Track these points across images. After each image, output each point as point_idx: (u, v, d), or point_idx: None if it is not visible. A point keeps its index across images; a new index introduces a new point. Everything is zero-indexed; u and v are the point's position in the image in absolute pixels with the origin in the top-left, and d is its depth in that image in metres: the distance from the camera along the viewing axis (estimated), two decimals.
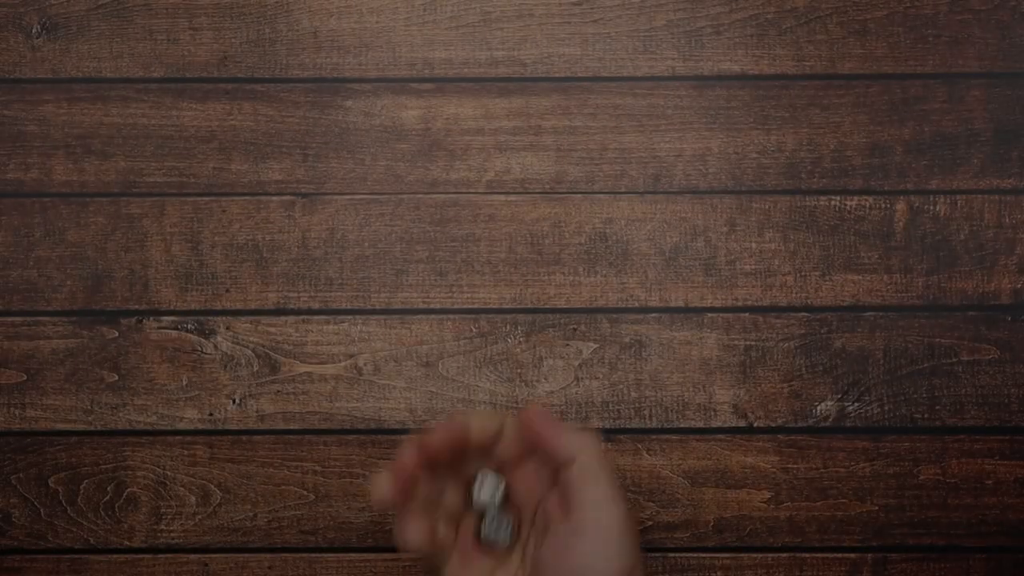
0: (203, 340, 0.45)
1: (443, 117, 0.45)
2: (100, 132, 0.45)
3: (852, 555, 0.44)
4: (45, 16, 0.45)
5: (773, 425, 0.44)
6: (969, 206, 0.45)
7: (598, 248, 0.45)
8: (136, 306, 0.45)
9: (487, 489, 0.32)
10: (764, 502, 0.44)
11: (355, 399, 0.45)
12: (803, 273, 0.45)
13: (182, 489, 0.45)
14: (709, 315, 0.45)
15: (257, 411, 0.45)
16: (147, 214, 0.45)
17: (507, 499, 0.32)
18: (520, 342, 0.45)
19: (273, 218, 0.45)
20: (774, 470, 0.44)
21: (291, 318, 0.45)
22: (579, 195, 0.45)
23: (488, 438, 0.31)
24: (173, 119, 0.45)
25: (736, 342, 0.44)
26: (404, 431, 0.45)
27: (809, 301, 0.45)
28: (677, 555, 0.44)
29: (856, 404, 0.44)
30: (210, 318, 0.45)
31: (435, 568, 0.33)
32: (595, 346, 0.44)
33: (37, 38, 0.45)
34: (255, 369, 0.45)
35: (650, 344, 0.44)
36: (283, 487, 0.45)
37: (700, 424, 0.44)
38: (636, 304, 0.45)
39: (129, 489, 0.45)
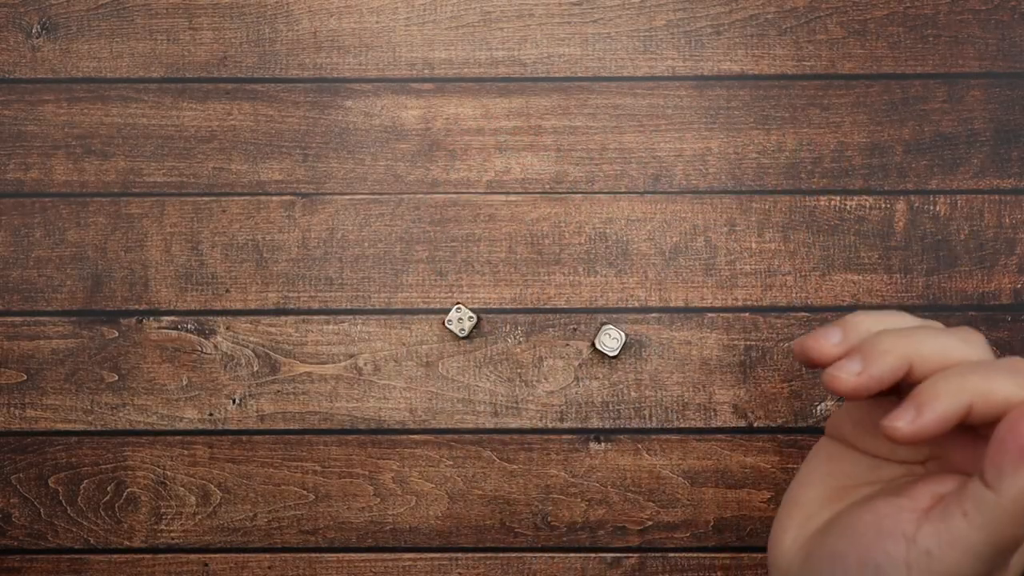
0: (203, 340, 0.45)
1: (443, 117, 0.45)
2: (100, 132, 0.45)
3: None
4: (45, 16, 0.45)
5: (773, 425, 0.44)
6: (969, 206, 0.45)
7: (598, 248, 0.45)
8: (136, 306, 0.45)
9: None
10: (764, 502, 0.44)
11: (355, 399, 0.45)
12: (803, 273, 0.45)
13: (182, 489, 0.45)
14: (709, 315, 0.45)
15: (257, 411, 0.45)
16: (147, 214, 0.45)
17: None
18: (520, 342, 0.45)
19: (273, 218, 0.45)
20: (774, 470, 0.44)
21: (291, 318, 0.45)
22: (579, 195, 0.45)
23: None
24: (173, 119, 0.45)
25: (736, 342, 0.44)
26: (404, 431, 0.45)
27: (809, 301, 0.45)
28: (677, 555, 0.44)
29: None
30: (210, 318, 0.45)
31: None
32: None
33: (37, 38, 0.45)
34: (255, 369, 0.45)
35: (650, 344, 0.45)
36: (283, 487, 0.45)
37: (700, 424, 0.44)
38: (636, 304, 0.45)
39: (129, 489, 0.45)
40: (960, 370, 0.26)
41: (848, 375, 0.26)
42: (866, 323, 0.29)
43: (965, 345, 0.27)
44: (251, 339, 0.45)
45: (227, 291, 0.45)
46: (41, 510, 0.45)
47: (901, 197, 0.45)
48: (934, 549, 0.25)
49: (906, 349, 0.26)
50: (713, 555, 0.44)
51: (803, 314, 0.45)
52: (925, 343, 0.27)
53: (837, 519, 0.29)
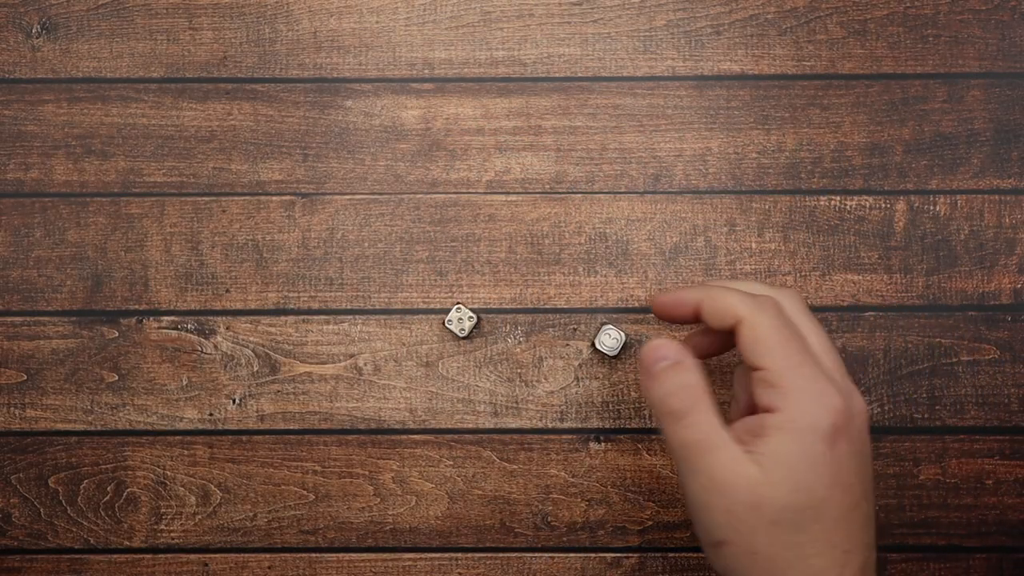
0: (203, 340, 0.45)
1: (443, 117, 0.45)
2: (100, 132, 0.45)
3: None
4: (45, 16, 0.45)
5: None
6: (969, 206, 0.45)
7: (598, 248, 0.45)
8: (136, 306, 0.45)
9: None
10: None
11: (355, 399, 0.45)
12: (803, 273, 0.45)
13: (182, 489, 0.45)
14: None
15: (257, 411, 0.45)
16: (147, 214, 0.45)
17: None
18: (520, 342, 0.45)
19: (273, 218, 0.45)
20: None
21: (291, 318, 0.45)
22: (579, 195, 0.45)
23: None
24: (173, 119, 0.45)
25: None
26: (404, 431, 0.45)
27: (809, 301, 0.45)
28: (677, 555, 0.44)
29: None
30: (210, 318, 0.45)
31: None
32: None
33: (37, 38, 0.45)
34: (255, 369, 0.45)
35: None
36: (283, 487, 0.45)
37: None
38: (636, 304, 0.45)
39: (129, 489, 0.45)
40: (711, 284, 0.35)
41: (658, 294, 0.38)
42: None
43: (749, 286, 0.35)
44: (251, 339, 0.45)
45: (227, 291, 0.45)
46: (41, 510, 0.45)
47: (901, 197, 0.45)
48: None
49: (708, 286, 0.35)
50: None
51: None
52: (723, 283, 0.36)
53: None
